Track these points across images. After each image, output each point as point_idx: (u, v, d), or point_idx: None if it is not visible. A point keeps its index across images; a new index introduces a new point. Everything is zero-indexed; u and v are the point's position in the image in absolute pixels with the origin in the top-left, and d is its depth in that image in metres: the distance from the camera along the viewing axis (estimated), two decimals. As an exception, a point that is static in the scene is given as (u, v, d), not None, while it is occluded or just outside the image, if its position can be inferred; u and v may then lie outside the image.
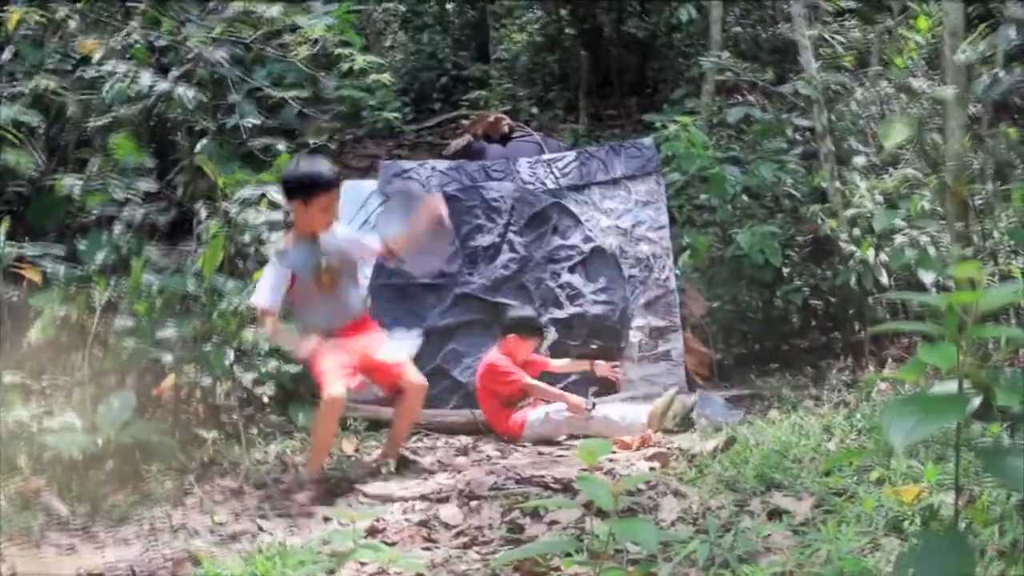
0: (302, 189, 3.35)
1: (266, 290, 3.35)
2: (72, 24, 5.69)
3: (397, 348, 3.54)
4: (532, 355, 4.51)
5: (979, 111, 6.03)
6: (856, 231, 4.79)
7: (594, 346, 4.74)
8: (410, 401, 3.55)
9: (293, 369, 4.12)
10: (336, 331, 3.48)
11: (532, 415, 4.23)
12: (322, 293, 3.40)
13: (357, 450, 4.02)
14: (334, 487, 3.41)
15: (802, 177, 5.45)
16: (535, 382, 4.26)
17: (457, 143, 7.13)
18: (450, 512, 2.85)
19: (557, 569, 2.18)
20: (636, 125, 9.36)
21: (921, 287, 4.40)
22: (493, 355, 4.36)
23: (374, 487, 3.40)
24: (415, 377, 3.48)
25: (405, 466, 3.74)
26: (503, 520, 2.72)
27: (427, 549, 2.50)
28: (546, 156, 5.49)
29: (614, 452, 3.68)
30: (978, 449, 1.41)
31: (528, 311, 4.55)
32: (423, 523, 2.78)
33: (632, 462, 3.49)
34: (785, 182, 5.46)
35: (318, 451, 3.45)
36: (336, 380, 3.27)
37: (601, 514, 2.54)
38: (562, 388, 4.43)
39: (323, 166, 3.45)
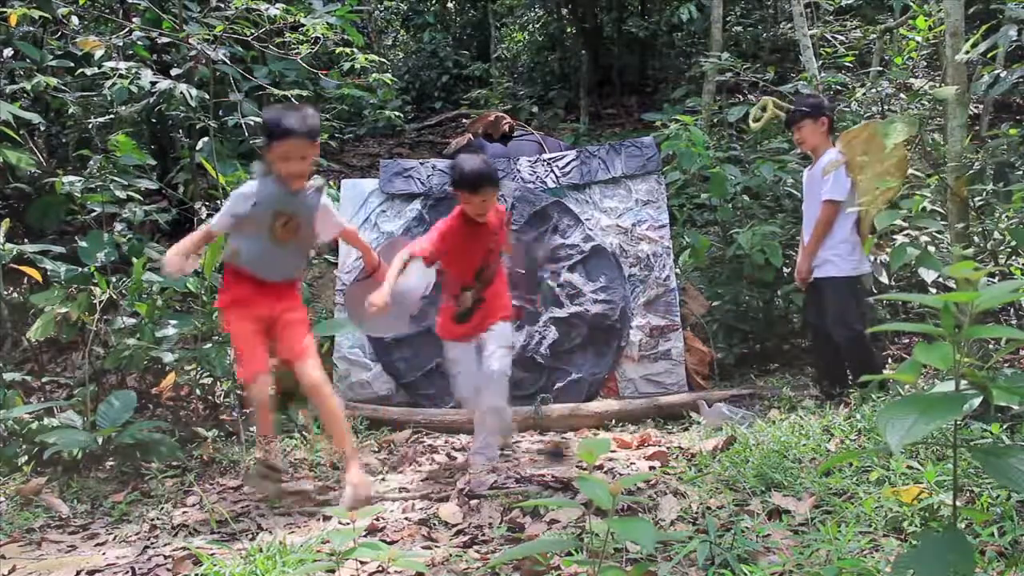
0: (264, 134, 3.16)
1: (223, 213, 3.14)
2: (73, 22, 5.70)
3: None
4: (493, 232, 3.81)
5: (980, 111, 6.03)
6: (856, 231, 4.78)
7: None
8: (315, 402, 3.24)
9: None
10: (265, 281, 3.26)
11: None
12: (272, 239, 3.18)
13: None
14: (334, 484, 3.42)
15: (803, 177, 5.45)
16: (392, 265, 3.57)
17: (458, 142, 7.13)
18: (450, 511, 2.84)
19: (557, 568, 2.18)
20: (636, 124, 9.37)
21: (922, 287, 4.39)
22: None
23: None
24: (311, 372, 3.19)
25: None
26: (503, 519, 2.72)
27: (427, 548, 2.50)
28: (546, 155, 5.48)
29: (614, 451, 3.69)
30: (977, 449, 1.41)
31: (473, 159, 3.71)
32: (423, 522, 2.78)
33: (632, 461, 3.48)
34: (786, 182, 5.47)
35: (260, 428, 3.30)
36: (254, 360, 3.17)
37: (601, 513, 2.54)
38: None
39: (287, 115, 3.10)
